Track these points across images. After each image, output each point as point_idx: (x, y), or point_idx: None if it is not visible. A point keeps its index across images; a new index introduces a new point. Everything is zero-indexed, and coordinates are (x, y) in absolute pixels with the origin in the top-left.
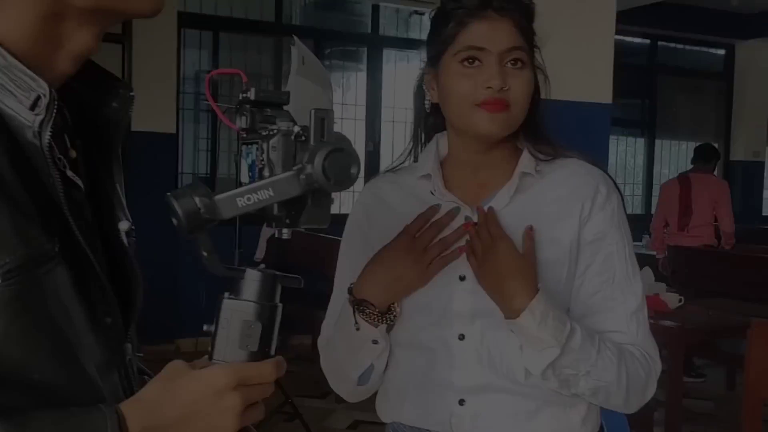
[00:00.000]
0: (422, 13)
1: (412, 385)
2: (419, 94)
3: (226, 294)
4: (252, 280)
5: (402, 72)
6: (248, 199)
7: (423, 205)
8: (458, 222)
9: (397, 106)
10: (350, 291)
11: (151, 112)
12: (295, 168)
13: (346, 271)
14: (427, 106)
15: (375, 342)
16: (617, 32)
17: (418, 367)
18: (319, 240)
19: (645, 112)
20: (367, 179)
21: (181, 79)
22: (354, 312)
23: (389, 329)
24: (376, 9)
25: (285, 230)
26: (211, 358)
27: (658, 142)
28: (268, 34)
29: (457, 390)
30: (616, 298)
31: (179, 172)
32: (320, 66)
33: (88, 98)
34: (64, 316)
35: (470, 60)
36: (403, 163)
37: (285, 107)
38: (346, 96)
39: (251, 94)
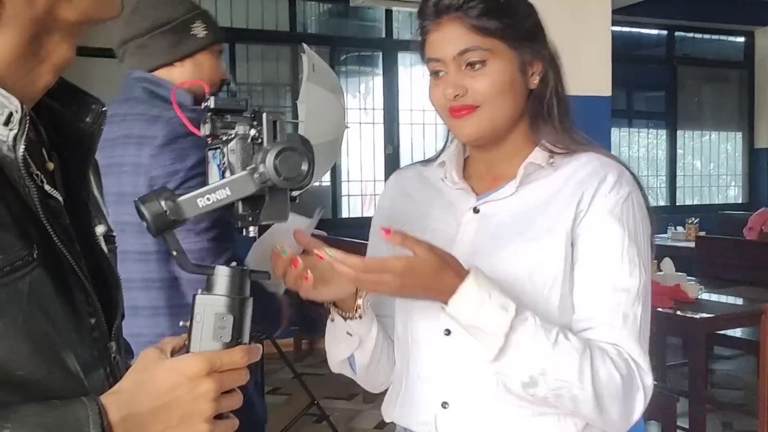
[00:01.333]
0: None
1: (399, 383)
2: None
3: (199, 290)
4: (222, 275)
5: (418, 74)
6: (208, 199)
7: (434, 190)
8: (466, 207)
9: (414, 109)
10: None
11: None
12: (249, 168)
13: (371, 252)
14: None
15: (349, 334)
16: (634, 25)
17: (406, 362)
18: (346, 244)
19: (666, 103)
20: (387, 180)
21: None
22: (330, 303)
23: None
24: (389, 14)
25: (251, 228)
26: (188, 351)
27: (680, 132)
28: (284, 44)
29: (440, 391)
30: (602, 290)
31: None
32: (331, 72)
33: (63, 114)
34: (45, 317)
35: (436, 72)
36: (433, 157)
37: (245, 113)
38: (364, 101)
39: (211, 103)
